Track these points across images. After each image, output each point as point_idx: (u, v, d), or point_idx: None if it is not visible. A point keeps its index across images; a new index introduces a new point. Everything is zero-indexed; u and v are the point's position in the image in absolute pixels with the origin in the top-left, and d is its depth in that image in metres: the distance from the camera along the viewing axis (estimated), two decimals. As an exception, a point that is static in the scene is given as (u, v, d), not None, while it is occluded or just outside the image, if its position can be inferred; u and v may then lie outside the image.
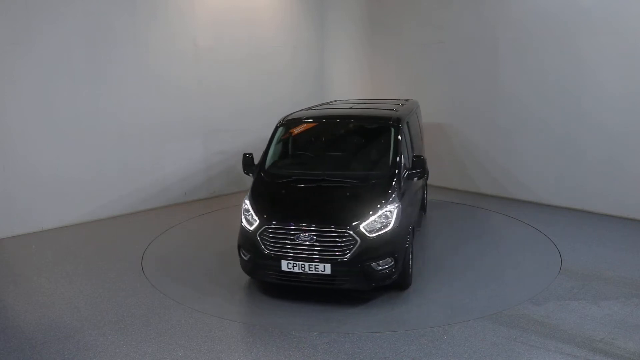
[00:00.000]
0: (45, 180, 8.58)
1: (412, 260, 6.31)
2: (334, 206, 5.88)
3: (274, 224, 5.75)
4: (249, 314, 5.65)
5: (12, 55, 8.10)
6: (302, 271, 5.61)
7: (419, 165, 6.26)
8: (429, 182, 9.42)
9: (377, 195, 5.87)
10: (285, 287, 6.04)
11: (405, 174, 6.25)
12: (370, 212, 5.67)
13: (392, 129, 6.64)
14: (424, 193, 8.77)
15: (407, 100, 9.16)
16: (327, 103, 9.10)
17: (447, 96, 10.07)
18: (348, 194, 5.98)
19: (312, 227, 5.61)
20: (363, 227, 5.59)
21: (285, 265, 5.65)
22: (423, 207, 8.79)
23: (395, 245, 5.73)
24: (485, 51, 10.02)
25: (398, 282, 5.99)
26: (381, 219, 5.69)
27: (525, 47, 9.45)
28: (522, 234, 8.04)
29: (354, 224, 5.58)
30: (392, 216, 5.74)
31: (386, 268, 5.65)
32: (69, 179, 8.82)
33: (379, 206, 5.74)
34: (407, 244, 5.94)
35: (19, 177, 8.33)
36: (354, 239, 5.54)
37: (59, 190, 8.74)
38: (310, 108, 8.19)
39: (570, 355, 4.73)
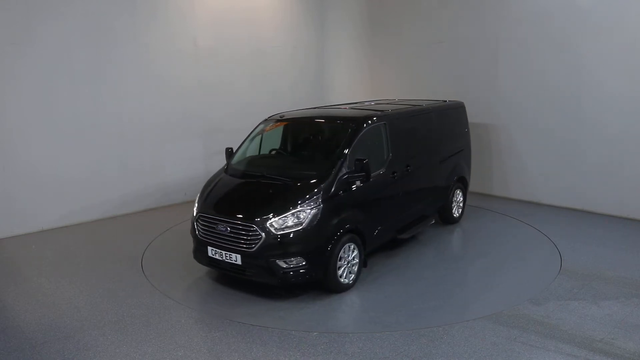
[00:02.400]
0: (45, 180, 8.58)
1: (357, 265, 6.26)
2: (253, 202, 6.12)
3: (201, 212, 6.28)
4: (249, 314, 5.65)
5: (12, 55, 8.11)
6: (220, 259, 6.03)
7: (361, 169, 6.08)
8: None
9: (297, 195, 5.90)
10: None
11: (345, 176, 6.11)
12: (283, 210, 5.78)
13: (349, 131, 6.54)
14: (446, 198, 8.25)
15: (444, 101, 8.82)
16: (356, 103, 9.03)
17: (446, 96, 10.04)
18: (271, 191, 6.15)
19: (226, 218, 5.99)
20: (270, 224, 5.72)
21: (210, 251, 6.13)
22: (444, 215, 8.42)
23: (308, 246, 5.76)
24: (485, 51, 10.03)
25: (326, 285, 6.02)
26: (294, 217, 5.75)
27: (525, 47, 9.46)
28: (522, 234, 8.04)
29: (261, 219, 5.75)
30: (305, 217, 5.76)
31: (296, 267, 5.75)
32: (69, 179, 8.83)
33: (292, 206, 5.79)
34: (329, 246, 5.84)
35: (19, 177, 8.33)
36: (259, 234, 5.71)
37: (59, 190, 8.74)
38: (314, 108, 8.29)
39: (570, 355, 4.73)
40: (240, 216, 5.91)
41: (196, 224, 6.33)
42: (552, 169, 9.41)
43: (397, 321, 5.44)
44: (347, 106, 8.08)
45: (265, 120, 7.56)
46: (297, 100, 11.49)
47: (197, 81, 10.24)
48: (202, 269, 6.82)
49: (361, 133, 6.51)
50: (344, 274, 6.10)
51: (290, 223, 5.74)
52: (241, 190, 6.45)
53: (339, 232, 5.97)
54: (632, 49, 8.18)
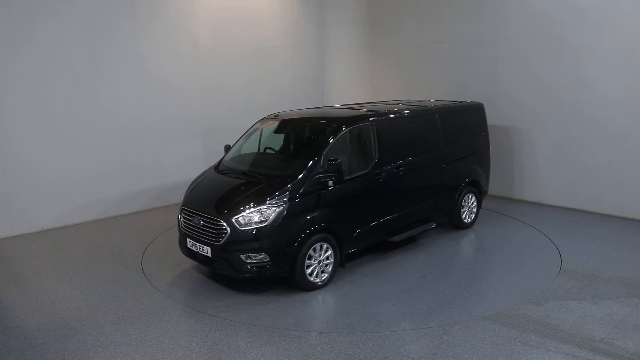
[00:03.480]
0: (45, 180, 8.58)
1: (332, 265, 6.28)
2: (225, 197, 6.28)
3: (183, 205, 6.61)
4: (250, 314, 5.65)
5: (12, 55, 8.11)
6: (196, 250, 6.30)
7: (333, 169, 6.10)
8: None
9: (265, 193, 6.00)
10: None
11: (317, 176, 6.13)
12: (247, 207, 5.92)
13: (329, 131, 6.56)
14: (454, 203, 7.96)
15: (460, 101, 8.63)
16: (368, 103, 9.00)
17: (446, 96, 10.06)
18: (243, 188, 6.28)
19: (199, 212, 6.26)
20: (236, 219, 5.88)
21: (188, 243, 6.42)
22: (453, 221, 8.13)
23: (272, 243, 5.86)
24: (485, 51, 10.02)
25: (295, 283, 6.09)
26: (259, 214, 5.87)
27: (524, 47, 9.45)
28: (522, 234, 8.04)
29: (227, 214, 5.95)
30: (269, 214, 5.86)
31: (260, 263, 5.90)
32: (69, 179, 8.83)
33: (258, 202, 5.92)
34: (296, 244, 5.92)
35: (19, 177, 8.34)
36: (225, 228, 5.90)
37: (58, 190, 8.75)
38: (317, 108, 8.42)
39: (570, 355, 4.73)
40: (210, 210, 6.15)
41: (179, 217, 6.62)
42: (553, 168, 9.41)
43: (349, 324, 5.40)
44: (364, 106, 8.03)
45: (261, 119, 7.68)
46: (297, 100, 11.50)
47: (197, 81, 10.24)
48: (202, 269, 6.82)
49: (340, 134, 6.51)
50: (315, 273, 6.16)
51: (256, 219, 5.85)
52: (219, 186, 6.60)
53: (307, 231, 6.01)
54: (633, 49, 8.16)
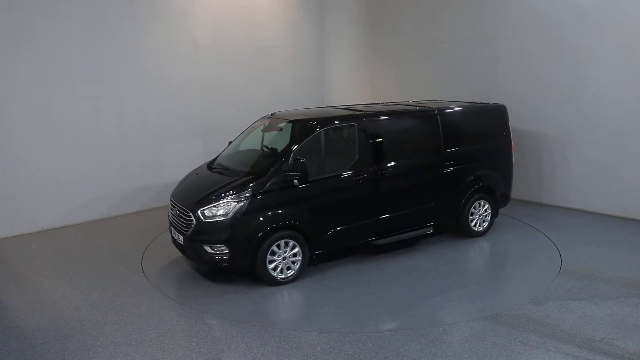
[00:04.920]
0: (45, 180, 8.58)
1: (300, 262, 6.36)
2: (199, 191, 6.53)
3: (170, 197, 7.00)
4: (250, 314, 5.65)
5: (12, 55, 8.11)
6: (176, 238, 6.68)
7: (298, 168, 6.23)
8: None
9: (232, 188, 6.26)
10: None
11: (283, 174, 6.24)
12: (213, 200, 6.21)
13: (304, 131, 6.61)
14: (460, 209, 7.56)
15: (477, 103, 8.28)
16: (383, 103, 8.97)
17: (446, 96, 10.06)
18: (218, 183, 6.51)
19: (177, 203, 6.66)
20: (201, 211, 6.20)
21: (172, 231, 6.82)
22: (461, 228, 7.73)
23: (231, 235, 6.11)
24: (485, 51, 10.02)
25: (257, 276, 6.27)
26: (221, 208, 6.15)
27: (524, 47, 9.45)
28: (522, 234, 8.04)
29: (193, 206, 6.30)
30: (230, 209, 6.12)
31: (220, 254, 6.17)
32: (69, 179, 8.83)
33: (223, 197, 6.19)
34: (256, 239, 6.11)
35: (19, 178, 8.33)
36: (192, 219, 6.26)
37: (58, 190, 8.74)
38: (321, 107, 8.52)
39: (570, 355, 4.73)
40: (184, 202, 6.52)
41: (169, 208, 7.00)
42: (552, 168, 9.41)
43: (287, 321, 5.51)
44: (374, 107, 7.96)
45: (260, 118, 7.82)
46: (297, 100, 11.50)
47: (197, 81, 10.24)
48: (202, 270, 6.82)
49: (314, 134, 6.54)
50: (280, 269, 6.29)
51: (220, 212, 6.13)
52: (201, 181, 6.87)
53: (270, 227, 6.17)
54: (632, 49, 8.16)
